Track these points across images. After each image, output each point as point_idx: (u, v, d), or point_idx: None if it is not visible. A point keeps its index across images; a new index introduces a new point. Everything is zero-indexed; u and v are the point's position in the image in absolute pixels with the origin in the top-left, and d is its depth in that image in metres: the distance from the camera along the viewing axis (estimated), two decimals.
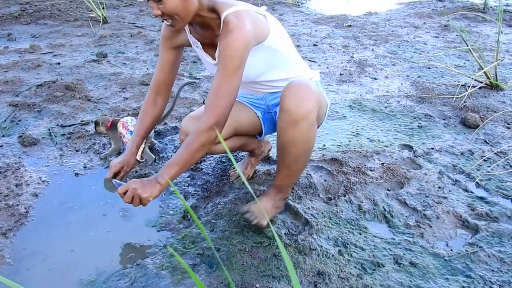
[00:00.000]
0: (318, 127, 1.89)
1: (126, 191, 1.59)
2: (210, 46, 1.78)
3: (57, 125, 2.83)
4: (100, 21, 5.52)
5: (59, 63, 3.97)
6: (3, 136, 2.69)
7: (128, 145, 1.92)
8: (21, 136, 2.66)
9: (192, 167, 2.36)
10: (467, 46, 3.59)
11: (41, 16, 5.75)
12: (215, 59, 1.79)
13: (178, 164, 1.59)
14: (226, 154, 2.42)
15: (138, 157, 2.10)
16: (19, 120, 2.89)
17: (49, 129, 2.76)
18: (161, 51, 1.90)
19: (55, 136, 2.69)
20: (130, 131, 2.37)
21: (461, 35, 3.94)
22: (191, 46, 1.86)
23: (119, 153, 2.48)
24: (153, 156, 2.43)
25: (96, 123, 2.48)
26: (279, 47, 1.77)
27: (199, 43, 1.77)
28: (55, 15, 5.82)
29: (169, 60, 1.90)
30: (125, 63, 4.08)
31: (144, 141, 2.08)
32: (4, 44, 4.68)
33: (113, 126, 2.42)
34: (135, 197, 1.58)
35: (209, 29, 1.71)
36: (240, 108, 2.04)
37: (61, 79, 3.54)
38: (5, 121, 2.87)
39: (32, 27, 5.39)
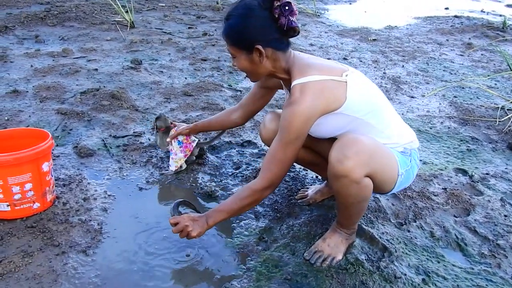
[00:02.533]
0: (387, 193, 1.87)
1: (177, 223, 1.71)
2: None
3: (110, 135, 2.82)
4: (127, 26, 5.50)
5: (96, 69, 3.95)
6: (57, 146, 2.67)
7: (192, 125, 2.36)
8: (76, 147, 2.64)
9: None
10: (511, 69, 3.63)
11: (67, 18, 5.72)
12: None
13: (228, 212, 1.73)
14: (288, 173, 2.43)
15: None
16: (70, 129, 2.87)
17: (103, 140, 2.75)
18: (255, 86, 2.08)
19: (111, 148, 2.67)
20: (178, 141, 2.42)
21: (506, 61, 3.96)
22: (276, 88, 1.98)
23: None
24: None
25: (157, 118, 2.50)
26: (361, 114, 1.72)
27: (285, 87, 1.87)
28: (81, 18, 5.79)
29: (256, 95, 2.12)
30: (162, 71, 4.07)
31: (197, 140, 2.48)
32: (34, 46, 4.65)
33: (167, 131, 2.47)
34: (184, 233, 1.69)
35: (287, 83, 1.78)
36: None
37: (104, 86, 3.52)
38: (56, 129, 2.85)
39: (59, 29, 5.35)
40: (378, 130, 1.78)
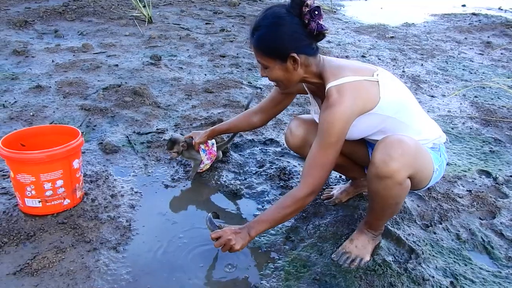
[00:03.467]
0: (421, 189, 1.87)
1: (218, 237, 1.69)
2: (320, 96, 1.82)
3: (134, 132, 2.84)
4: (145, 21, 5.52)
5: (117, 65, 3.98)
6: None
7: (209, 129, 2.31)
8: (101, 143, 2.67)
9: (281, 184, 2.38)
10: None
11: (85, 13, 5.76)
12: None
13: (270, 222, 1.71)
14: None
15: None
16: (95, 126, 2.90)
17: (127, 137, 2.77)
18: (275, 90, 2.07)
19: (135, 144, 2.70)
20: (202, 149, 2.39)
21: None
22: (306, 94, 1.93)
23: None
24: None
25: (174, 142, 2.37)
26: (393, 112, 1.73)
27: (311, 94, 1.86)
28: (99, 13, 5.82)
29: (276, 99, 2.11)
30: (181, 68, 4.09)
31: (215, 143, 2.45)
32: (54, 41, 4.69)
33: (189, 146, 2.39)
34: (226, 246, 1.67)
35: (320, 88, 1.76)
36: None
37: (125, 83, 3.55)
38: (80, 125, 2.88)
39: (77, 24, 5.39)
40: (409, 127, 1.79)
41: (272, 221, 1.70)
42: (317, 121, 1.87)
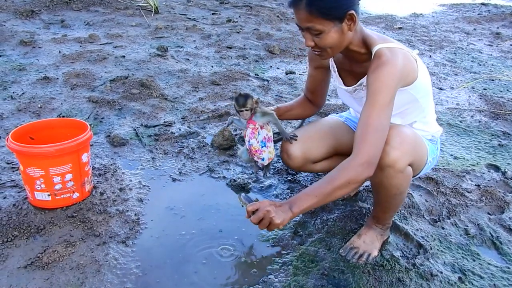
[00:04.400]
0: (415, 176, 1.84)
1: (255, 210, 1.51)
2: (346, 71, 1.78)
3: (141, 125, 2.85)
4: (151, 11, 5.50)
5: (123, 56, 3.97)
6: None
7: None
8: (109, 136, 2.68)
9: (289, 178, 2.38)
10: None
11: (91, 3, 5.74)
12: (346, 86, 1.81)
13: (317, 196, 1.48)
14: None
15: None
16: (102, 118, 2.91)
17: (135, 129, 2.78)
18: (309, 68, 2.00)
19: (143, 137, 2.70)
20: (262, 142, 2.01)
21: None
22: (328, 67, 1.87)
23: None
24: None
25: (247, 97, 1.91)
26: (420, 95, 1.73)
27: (335, 67, 1.78)
28: (105, 2, 5.80)
29: (317, 78, 2.00)
30: (188, 59, 4.08)
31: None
32: (60, 32, 4.69)
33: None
34: (265, 220, 1.48)
35: (352, 59, 1.71)
36: (343, 129, 2.09)
37: (132, 74, 3.54)
38: (88, 118, 2.89)
39: (84, 14, 5.38)
40: (425, 115, 1.82)
41: (319, 194, 1.47)
42: (343, 95, 1.89)
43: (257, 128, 1.89)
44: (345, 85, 1.83)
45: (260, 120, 1.95)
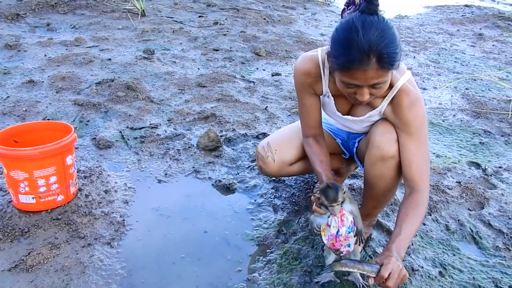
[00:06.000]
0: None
1: (388, 275, 1.42)
2: (342, 99, 1.76)
3: (127, 127, 2.85)
4: (138, 14, 5.50)
5: (110, 59, 3.98)
6: None
7: (323, 180, 1.77)
8: (94, 138, 2.68)
9: (274, 178, 2.40)
10: None
11: (78, 6, 5.72)
12: (345, 114, 1.81)
13: (412, 235, 1.58)
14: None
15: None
16: (88, 121, 2.91)
17: (120, 132, 2.79)
18: (304, 98, 1.84)
19: (128, 139, 2.71)
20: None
21: None
22: (320, 95, 1.83)
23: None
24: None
25: (337, 189, 1.58)
26: None
27: (330, 93, 1.78)
28: (92, 5, 5.79)
29: (317, 106, 1.86)
30: (174, 62, 4.09)
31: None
32: (46, 35, 4.67)
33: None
34: (399, 279, 1.44)
35: None
36: None
37: (118, 77, 3.55)
38: (74, 121, 2.89)
39: (70, 17, 5.37)
40: None
41: (414, 232, 1.59)
42: (338, 120, 1.89)
43: (345, 214, 1.62)
44: (338, 111, 1.81)
45: (349, 207, 1.64)
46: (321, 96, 1.84)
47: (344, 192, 1.60)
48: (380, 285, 1.45)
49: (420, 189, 1.62)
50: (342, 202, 1.60)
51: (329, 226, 1.62)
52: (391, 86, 1.61)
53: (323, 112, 1.94)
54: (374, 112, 1.71)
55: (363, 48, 1.37)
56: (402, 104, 1.61)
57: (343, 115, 1.81)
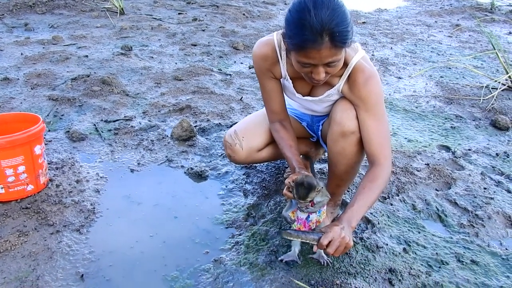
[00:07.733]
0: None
1: (330, 241, 1.47)
2: (300, 80, 1.78)
3: (101, 120, 2.87)
4: (117, 12, 5.50)
5: (86, 56, 3.98)
6: (49, 131, 2.72)
7: (294, 165, 1.79)
8: (68, 131, 2.69)
9: (246, 165, 2.43)
10: (494, 49, 3.68)
11: (56, 6, 5.71)
12: (305, 95, 1.84)
13: (368, 206, 1.62)
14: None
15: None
16: (62, 115, 2.92)
17: (94, 125, 2.80)
18: (265, 83, 1.86)
19: (102, 132, 2.72)
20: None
21: (491, 41, 4.02)
22: (280, 78, 1.85)
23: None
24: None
25: (310, 187, 1.59)
26: None
27: (289, 78, 1.81)
28: (70, 5, 5.78)
29: (278, 89, 1.88)
30: (152, 57, 4.11)
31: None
32: (24, 35, 4.66)
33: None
34: (341, 246, 1.48)
35: None
36: None
37: (94, 73, 3.56)
38: (48, 115, 2.89)
39: (48, 17, 5.35)
40: None
41: (370, 203, 1.61)
42: (298, 101, 1.92)
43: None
44: (298, 92, 1.84)
45: (320, 200, 1.65)
46: (281, 80, 1.87)
47: (318, 191, 1.61)
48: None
49: (381, 163, 1.66)
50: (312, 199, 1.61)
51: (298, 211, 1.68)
52: (346, 64, 1.65)
53: (286, 98, 1.97)
54: (332, 91, 1.74)
55: (315, 28, 1.40)
56: (358, 80, 1.65)
57: (303, 96, 1.84)
